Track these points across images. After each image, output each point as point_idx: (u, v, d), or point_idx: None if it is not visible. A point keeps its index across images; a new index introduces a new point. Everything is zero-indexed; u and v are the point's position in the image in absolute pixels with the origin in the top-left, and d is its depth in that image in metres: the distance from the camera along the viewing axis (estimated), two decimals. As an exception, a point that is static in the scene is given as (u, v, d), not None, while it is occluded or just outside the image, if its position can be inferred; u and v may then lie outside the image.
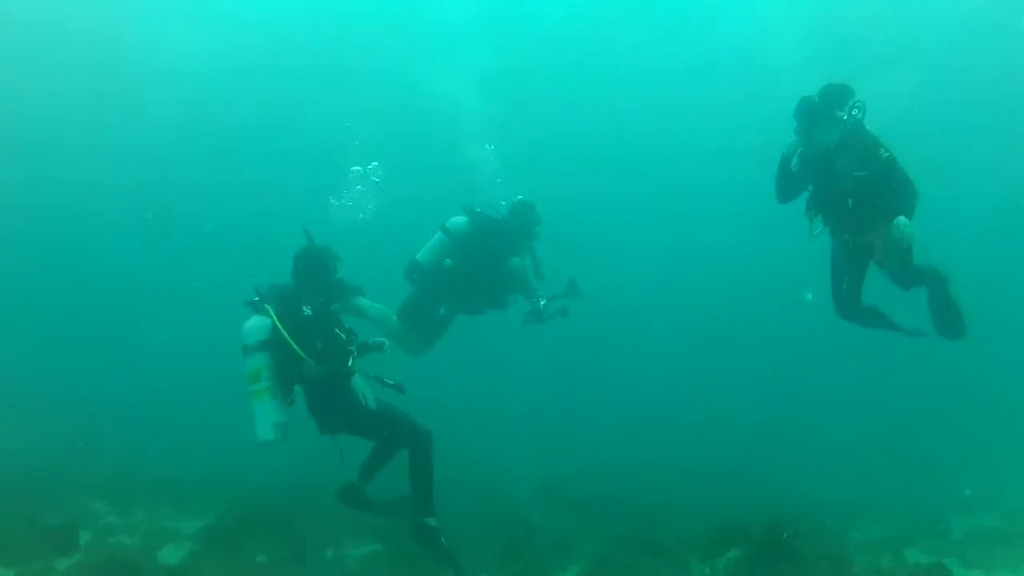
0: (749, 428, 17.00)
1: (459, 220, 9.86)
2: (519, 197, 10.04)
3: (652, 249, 24.31)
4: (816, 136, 7.21)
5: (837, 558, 8.28)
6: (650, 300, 22.48)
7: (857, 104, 7.18)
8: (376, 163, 11.15)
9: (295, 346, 6.76)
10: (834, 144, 7.21)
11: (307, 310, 6.95)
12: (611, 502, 11.77)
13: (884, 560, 9.30)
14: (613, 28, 23.01)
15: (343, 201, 11.31)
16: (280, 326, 6.82)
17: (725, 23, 21.93)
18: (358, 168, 11.18)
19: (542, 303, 9.65)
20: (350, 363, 7.03)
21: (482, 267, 9.68)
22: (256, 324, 6.98)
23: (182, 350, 18.56)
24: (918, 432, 16.31)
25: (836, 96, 7.22)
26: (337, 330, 7.20)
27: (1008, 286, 19.25)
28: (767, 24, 20.00)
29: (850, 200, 7.29)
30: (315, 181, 13.10)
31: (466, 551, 8.97)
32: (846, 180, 7.27)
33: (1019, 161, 21.01)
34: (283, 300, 7.06)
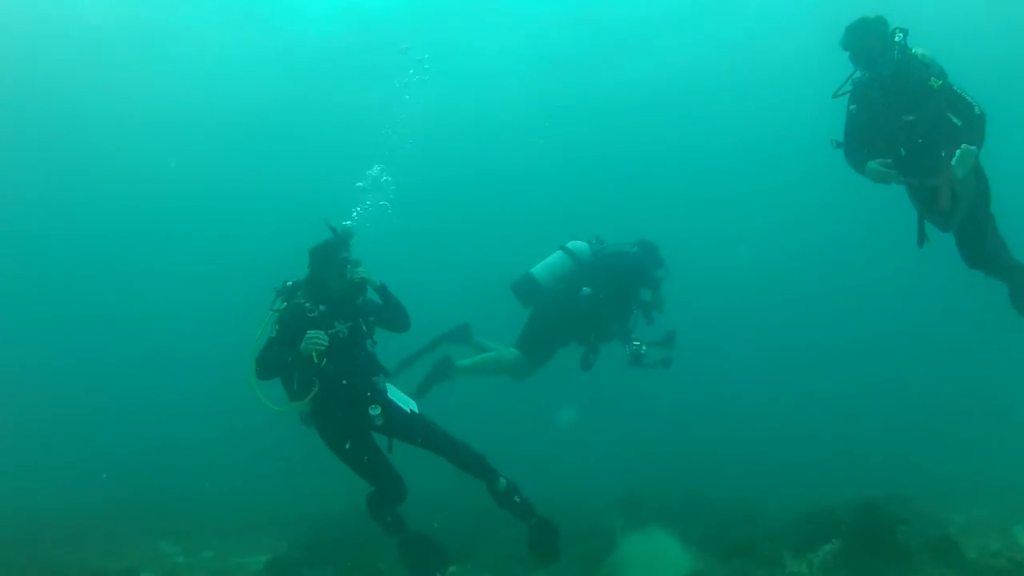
0: (829, 414, 16.42)
1: (582, 246, 9.42)
2: (640, 237, 9.62)
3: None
4: (872, 57, 6.61)
5: (943, 543, 7.74)
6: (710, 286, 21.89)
7: (899, 29, 6.58)
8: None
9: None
10: (888, 72, 6.60)
11: (273, 332, 6.62)
12: (695, 504, 11.29)
13: (994, 542, 8.72)
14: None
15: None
16: (260, 327, 6.67)
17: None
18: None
19: (644, 349, 9.03)
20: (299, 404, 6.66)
21: (616, 299, 9.24)
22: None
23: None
24: (1007, 409, 15.57)
25: (875, 24, 6.66)
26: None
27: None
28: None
29: (902, 149, 6.71)
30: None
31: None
32: (896, 127, 6.71)
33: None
34: (290, 298, 6.83)
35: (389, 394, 6.96)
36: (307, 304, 6.65)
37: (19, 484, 13.80)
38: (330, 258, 6.77)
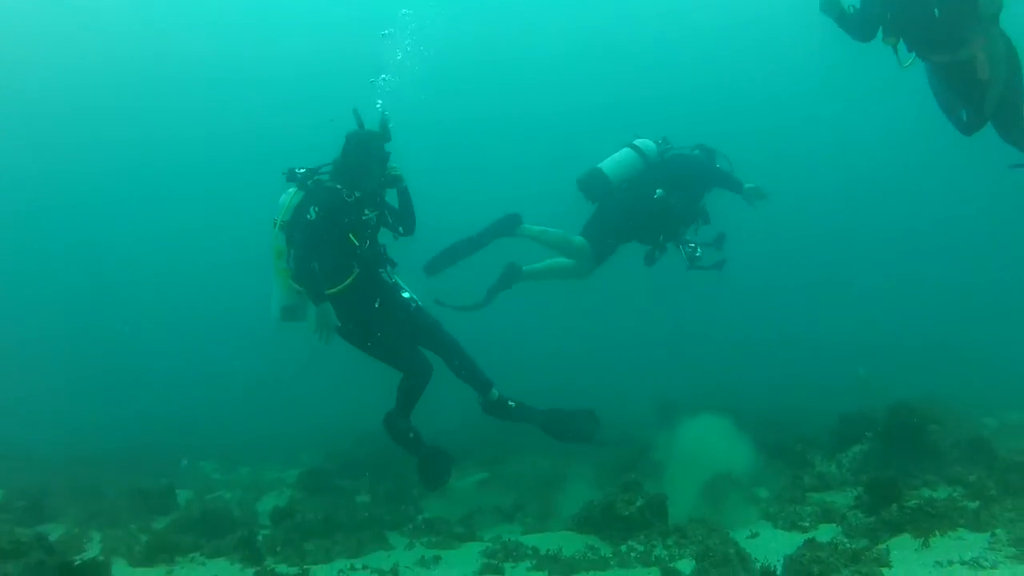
0: (859, 327, 16.23)
1: (649, 144, 9.11)
2: (698, 142, 9.37)
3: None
4: None
5: (975, 443, 7.65)
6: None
7: None
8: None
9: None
10: None
11: (312, 214, 6.72)
12: (728, 414, 11.21)
13: (1026, 443, 8.54)
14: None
15: None
16: (287, 211, 6.89)
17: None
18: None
19: (698, 251, 8.98)
20: (332, 290, 6.79)
21: (686, 202, 9.03)
22: (282, 202, 6.99)
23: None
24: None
25: None
26: (354, 237, 6.92)
27: None
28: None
29: (936, 9, 6.15)
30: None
31: (583, 467, 8.97)
32: None
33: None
34: (317, 183, 6.95)
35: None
36: (343, 188, 6.84)
37: (57, 408, 14.08)
38: (374, 147, 6.91)
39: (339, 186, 6.87)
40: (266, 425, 13.37)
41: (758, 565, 5.18)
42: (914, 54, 6.46)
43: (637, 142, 9.10)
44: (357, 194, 6.90)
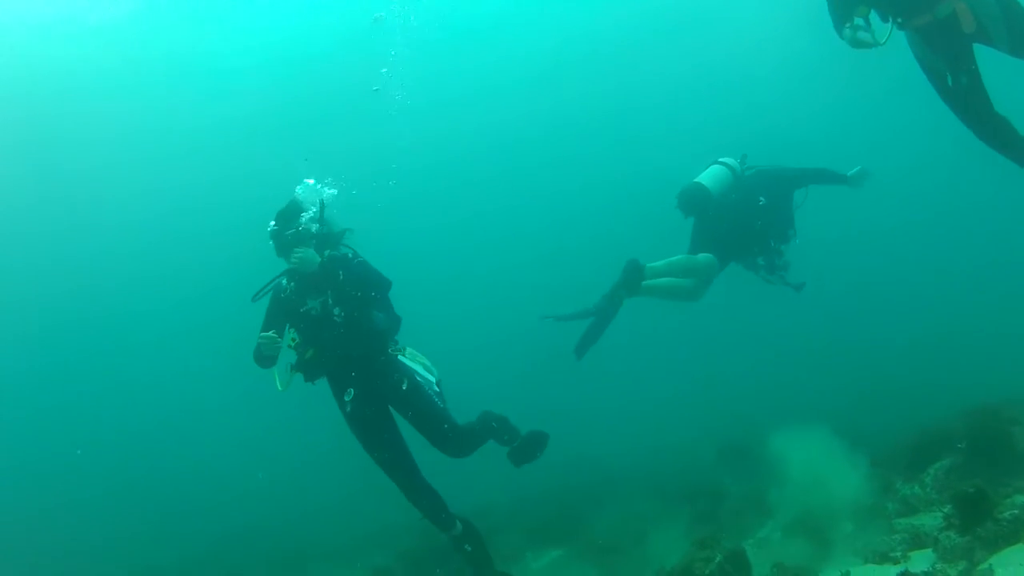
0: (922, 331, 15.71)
1: (733, 162, 8.95)
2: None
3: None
4: None
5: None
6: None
7: None
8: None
9: None
10: None
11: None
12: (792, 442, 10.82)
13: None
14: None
15: None
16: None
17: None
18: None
19: (784, 266, 8.82)
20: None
21: (783, 209, 8.84)
22: None
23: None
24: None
25: None
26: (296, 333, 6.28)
27: None
28: None
29: None
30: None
31: (657, 527, 8.71)
32: None
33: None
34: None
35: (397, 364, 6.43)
36: (283, 282, 6.33)
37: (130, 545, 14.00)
38: (277, 234, 6.22)
39: (282, 279, 6.36)
40: (327, 525, 13.07)
41: (853, 606, 4.84)
42: (891, 25, 5.69)
43: (722, 160, 8.95)
44: (292, 285, 6.28)
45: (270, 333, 6.04)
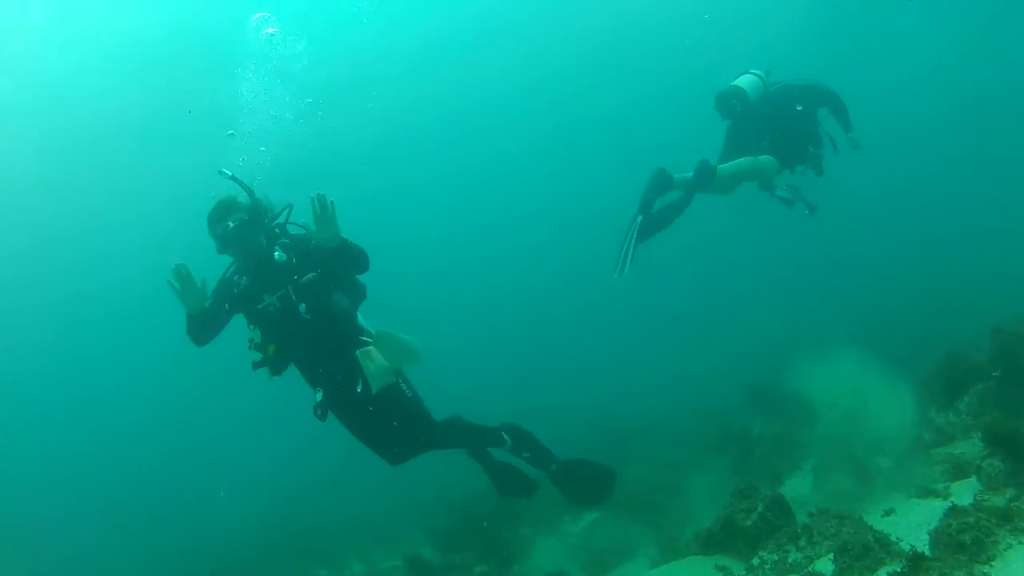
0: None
1: (762, 72, 8.74)
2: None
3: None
4: None
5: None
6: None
7: None
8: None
9: None
10: None
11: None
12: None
13: None
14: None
15: None
16: None
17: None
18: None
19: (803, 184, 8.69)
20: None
21: (813, 118, 8.70)
22: None
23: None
24: None
25: None
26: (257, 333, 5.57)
27: None
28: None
29: None
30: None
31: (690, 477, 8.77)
32: None
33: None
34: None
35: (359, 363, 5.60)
36: (235, 277, 5.61)
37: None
38: (215, 227, 5.54)
39: (234, 274, 5.66)
40: (353, 510, 13.03)
41: (903, 546, 4.76)
42: None
43: (752, 71, 8.73)
44: (244, 281, 5.58)
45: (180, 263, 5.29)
